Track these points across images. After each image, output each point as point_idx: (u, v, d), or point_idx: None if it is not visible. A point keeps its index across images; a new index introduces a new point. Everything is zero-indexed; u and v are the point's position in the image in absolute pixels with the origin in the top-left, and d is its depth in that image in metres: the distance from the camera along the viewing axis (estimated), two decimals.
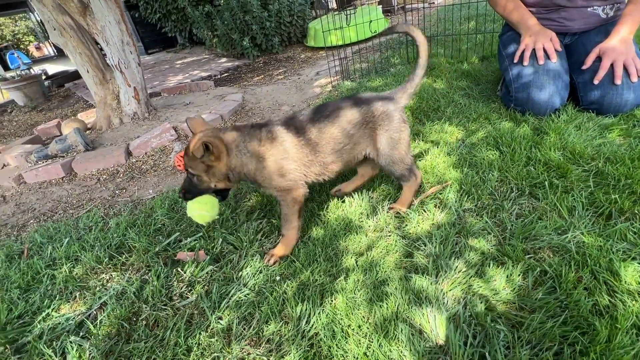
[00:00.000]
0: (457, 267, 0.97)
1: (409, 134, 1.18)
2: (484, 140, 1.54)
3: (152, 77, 4.78)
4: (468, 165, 1.39)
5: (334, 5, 7.41)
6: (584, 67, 1.60)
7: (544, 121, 1.57)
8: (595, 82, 1.54)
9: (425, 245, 1.06)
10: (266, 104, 2.80)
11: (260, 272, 1.09)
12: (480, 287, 0.90)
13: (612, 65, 1.51)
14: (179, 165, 1.97)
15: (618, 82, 1.49)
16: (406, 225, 1.17)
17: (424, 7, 3.76)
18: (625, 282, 0.83)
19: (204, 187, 1.11)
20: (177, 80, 4.24)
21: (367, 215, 1.24)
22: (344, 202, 1.32)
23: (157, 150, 2.22)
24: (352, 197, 1.33)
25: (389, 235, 1.14)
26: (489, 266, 0.95)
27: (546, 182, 1.19)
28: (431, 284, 0.93)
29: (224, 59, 5.12)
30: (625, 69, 1.49)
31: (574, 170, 1.23)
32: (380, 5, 5.72)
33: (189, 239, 1.28)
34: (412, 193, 1.23)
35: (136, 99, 2.61)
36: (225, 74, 4.30)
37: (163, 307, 1.03)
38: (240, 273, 1.10)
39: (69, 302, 1.11)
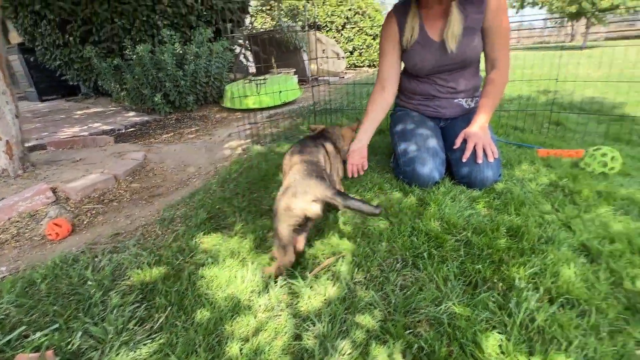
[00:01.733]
0: (342, 348, 0.94)
1: None
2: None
3: (42, 127, 4.25)
4: (361, 235, 1.45)
5: (254, 70, 7.79)
6: (454, 147, 1.88)
7: (426, 192, 1.76)
8: (464, 160, 1.81)
9: (314, 325, 1.03)
10: (171, 164, 2.66)
11: None
12: None
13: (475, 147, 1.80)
14: (51, 235, 1.69)
15: (479, 161, 1.76)
16: (298, 301, 1.13)
17: (328, 81, 4.14)
18: (487, 353, 0.89)
19: None
20: (72, 133, 3.83)
21: (259, 292, 1.17)
22: (235, 277, 1.24)
23: (25, 215, 1.88)
24: (246, 270, 1.26)
25: (279, 315, 1.08)
26: (373, 345, 0.95)
27: (426, 253, 1.29)
28: None
29: (132, 113, 4.85)
30: (485, 151, 1.79)
31: (449, 240, 1.37)
32: (296, 75, 6.18)
33: (38, 334, 1.04)
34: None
35: (8, 153, 2.25)
36: (132, 129, 4.04)
37: None
38: None
39: None
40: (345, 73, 8.07)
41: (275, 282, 1.21)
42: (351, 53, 8.70)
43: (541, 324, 0.97)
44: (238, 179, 2.14)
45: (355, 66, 8.88)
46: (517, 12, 14.77)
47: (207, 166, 2.57)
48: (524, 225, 1.41)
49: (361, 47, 8.59)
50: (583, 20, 11.08)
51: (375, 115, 2.00)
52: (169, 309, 1.13)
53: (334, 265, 1.28)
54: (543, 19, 13.32)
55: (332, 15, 8.23)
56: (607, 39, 12.94)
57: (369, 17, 8.40)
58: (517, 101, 3.80)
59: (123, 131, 3.95)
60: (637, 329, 0.95)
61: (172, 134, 3.68)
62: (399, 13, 1.91)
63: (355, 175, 1.91)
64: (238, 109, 4.46)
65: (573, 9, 10.03)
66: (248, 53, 7.28)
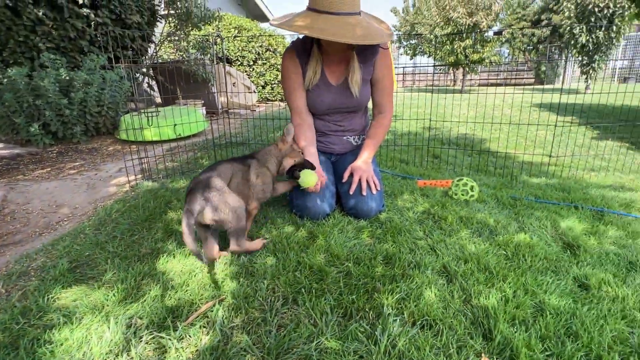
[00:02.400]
0: None
1: None
2: (268, 246, 1.63)
3: None
4: (245, 275, 1.41)
5: (160, 100, 7.40)
6: (343, 181, 1.99)
7: (317, 225, 1.81)
8: (350, 192, 1.92)
9: None
10: (38, 205, 2.29)
11: None
12: None
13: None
14: None
15: (364, 193, 1.90)
16: (165, 358, 1.03)
17: (239, 113, 4.14)
18: None
19: None
20: None
21: (117, 353, 1.04)
22: (91, 337, 1.08)
23: None
24: (107, 327, 1.11)
25: None
26: None
27: (304, 288, 1.30)
28: None
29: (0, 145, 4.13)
30: (369, 184, 1.94)
31: (331, 272, 1.41)
32: (204, 107, 6.04)
33: None
34: None
35: None
36: None
37: None
38: None
39: None
40: (258, 106, 8.17)
41: (141, 338, 1.09)
42: (263, 87, 8.89)
43: (402, 348, 1.03)
44: (119, 220, 1.93)
45: (268, 100, 9.07)
46: (411, 59, 17.02)
47: (85, 206, 2.28)
48: (398, 252, 1.54)
49: (273, 82, 8.86)
50: (461, 69, 13.24)
51: (313, 139, 2.01)
52: None
53: (211, 311, 1.20)
54: (433, 66, 15.59)
55: (243, 50, 8.38)
56: (480, 85, 15.59)
57: (280, 54, 8.76)
58: (407, 136, 4.27)
59: None
60: (478, 342, 1.07)
61: (48, 169, 3.22)
62: (299, 51, 1.96)
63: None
64: (135, 142, 4.13)
65: (451, 59, 11.97)
66: (154, 83, 6.92)
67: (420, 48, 15.77)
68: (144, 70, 6.27)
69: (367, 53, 1.94)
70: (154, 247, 1.63)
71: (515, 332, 1.09)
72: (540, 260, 1.50)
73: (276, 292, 1.31)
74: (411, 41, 17.00)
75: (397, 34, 17.50)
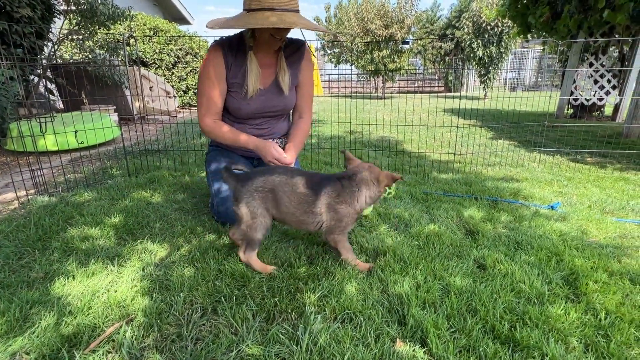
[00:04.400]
0: None
1: None
2: (186, 256, 1.54)
3: None
4: (159, 289, 1.31)
5: (62, 105, 6.57)
6: None
7: None
8: None
9: None
10: None
11: None
12: None
13: None
14: None
15: None
16: None
17: (157, 119, 3.86)
18: None
19: None
20: None
21: None
22: None
23: None
24: None
25: None
26: None
27: (224, 297, 1.25)
28: None
29: None
30: None
31: (254, 277, 1.38)
32: (117, 113, 5.52)
33: None
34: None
35: None
36: None
37: None
38: None
39: None
40: (178, 112, 7.72)
41: None
42: (185, 92, 8.44)
43: (323, 344, 1.05)
44: (2, 243, 1.65)
45: (191, 105, 8.63)
46: (335, 67, 17.69)
47: None
48: (320, 251, 1.56)
49: (194, 87, 8.45)
50: (381, 77, 14.17)
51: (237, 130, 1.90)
52: None
53: (117, 333, 1.09)
54: (356, 74, 16.39)
55: (160, 53, 7.86)
56: (399, 92, 16.85)
57: (202, 58, 8.41)
58: (330, 140, 4.41)
59: None
60: (394, 328, 1.14)
61: None
62: (225, 50, 1.85)
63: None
64: (29, 152, 3.59)
65: (371, 67, 12.74)
66: (54, 86, 6.10)
67: (344, 56, 16.50)
68: (39, 71, 5.50)
69: (295, 57, 1.95)
70: (48, 270, 1.43)
71: (426, 315, 1.18)
72: (447, 247, 1.65)
73: (194, 304, 1.23)
74: (334, 50, 17.70)
75: (321, 41, 18.07)
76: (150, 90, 6.57)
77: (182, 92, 8.44)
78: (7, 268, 1.45)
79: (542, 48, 11.09)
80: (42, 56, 5.68)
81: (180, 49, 8.13)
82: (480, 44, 11.68)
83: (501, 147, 4.15)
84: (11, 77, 4.01)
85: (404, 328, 1.14)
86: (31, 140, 2.80)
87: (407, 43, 12.57)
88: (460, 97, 10.16)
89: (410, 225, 1.90)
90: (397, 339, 1.10)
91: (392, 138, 4.73)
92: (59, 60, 6.38)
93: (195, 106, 8.74)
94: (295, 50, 1.95)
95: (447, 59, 17.59)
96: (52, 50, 5.87)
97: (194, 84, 8.43)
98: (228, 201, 1.83)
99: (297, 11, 1.67)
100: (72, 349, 1.03)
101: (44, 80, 5.80)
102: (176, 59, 8.14)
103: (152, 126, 5.21)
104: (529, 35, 6.75)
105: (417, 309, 1.20)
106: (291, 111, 2.15)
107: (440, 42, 17.07)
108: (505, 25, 11.04)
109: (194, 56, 8.37)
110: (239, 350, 1.03)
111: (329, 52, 18.30)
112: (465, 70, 13.79)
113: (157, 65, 7.93)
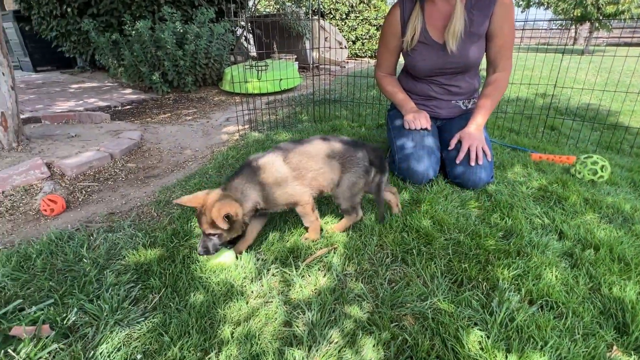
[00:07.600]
0: (331, 336, 0.99)
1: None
2: (371, 204, 1.68)
3: (37, 99, 4.18)
4: (354, 229, 1.48)
5: (255, 54, 7.69)
6: (449, 149, 1.90)
7: (420, 190, 1.79)
8: (457, 161, 1.83)
9: (304, 313, 1.07)
10: (167, 146, 2.65)
11: (119, 350, 0.96)
12: (349, 359, 0.93)
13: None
14: (46, 211, 1.69)
15: (472, 163, 1.79)
16: (290, 290, 1.17)
17: (335, 69, 4.13)
18: (467, 348, 0.94)
19: (223, 241, 1.22)
20: (68, 107, 3.77)
21: (252, 279, 1.21)
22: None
23: (20, 189, 1.88)
24: (240, 258, 1.29)
25: (271, 302, 1.12)
26: (360, 335, 0.99)
27: (415, 250, 1.33)
28: (303, 358, 0.92)
29: (129, 90, 4.78)
30: (478, 153, 1.82)
31: (439, 238, 1.41)
32: (297, 62, 6.12)
33: (33, 308, 1.07)
34: (349, 224, 1.48)
35: (3, 126, 2.23)
36: (128, 107, 4.00)
37: None
38: (94, 352, 0.95)
39: None
40: (347, 62, 8.01)
41: (269, 269, 1.24)
42: (354, 42, 8.62)
43: (520, 324, 1.01)
44: (234, 165, 2.15)
45: (357, 56, 8.81)
46: (522, 11, 14.70)
47: (203, 150, 2.57)
48: (513, 228, 1.46)
49: (364, 37, 8.51)
50: (587, 24, 11.08)
51: (400, 87, 2.11)
52: (163, 290, 1.16)
53: (326, 257, 1.31)
54: (548, 20, 13.24)
55: (336, 2, 8.11)
56: (609, 44, 12.95)
57: (374, 7, 8.30)
58: (515, 103, 3.83)
59: (119, 108, 3.91)
60: (609, 333, 1.00)
61: (169, 114, 3.66)
62: (404, 7, 1.88)
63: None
64: (237, 93, 4.42)
65: (578, 12, 10.01)
66: (250, 36, 7.17)
67: None
68: (242, 23, 6.50)
69: (484, 1, 1.73)
70: None
71: None
72: None
73: (384, 249, 1.36)
74: None
75: None
76: (326, 40, 6.96)
77: (351, 43, 8.65)
78: None
79: None
80: (245, 10, 6.64)
81: None
82: None
83: None
84: (228, 29, 4.87)
85: (626, 338, 0.98)
86: (241, 85, 3.42)
87: None
88: None
89: (632, 220, 1.54)
90: (614, 346, 0.97)
91: (601, 107, 3.78)
92: (256, 14, 7.36)
93: (361, 57, 8.89)
94: None
95: None
96: (254, 4, 6.79)
97: (362, 33, 8.50)
98: (410, 159, 1.86)
99: None
100: (296, 260, 1.30)
101: (245, 31, 6.86)
102: (350, 9, 8.27)
103: (324, 76, 5.60)
104: None
105: None
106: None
107: None
108: None
109: (367, 4, 8.33)
110: (432, 302, 1.10)
111: None
112: None
113: (332, 15, 8.27)
